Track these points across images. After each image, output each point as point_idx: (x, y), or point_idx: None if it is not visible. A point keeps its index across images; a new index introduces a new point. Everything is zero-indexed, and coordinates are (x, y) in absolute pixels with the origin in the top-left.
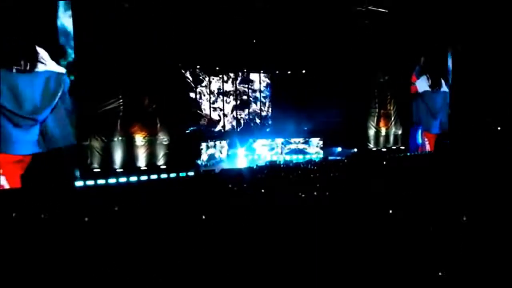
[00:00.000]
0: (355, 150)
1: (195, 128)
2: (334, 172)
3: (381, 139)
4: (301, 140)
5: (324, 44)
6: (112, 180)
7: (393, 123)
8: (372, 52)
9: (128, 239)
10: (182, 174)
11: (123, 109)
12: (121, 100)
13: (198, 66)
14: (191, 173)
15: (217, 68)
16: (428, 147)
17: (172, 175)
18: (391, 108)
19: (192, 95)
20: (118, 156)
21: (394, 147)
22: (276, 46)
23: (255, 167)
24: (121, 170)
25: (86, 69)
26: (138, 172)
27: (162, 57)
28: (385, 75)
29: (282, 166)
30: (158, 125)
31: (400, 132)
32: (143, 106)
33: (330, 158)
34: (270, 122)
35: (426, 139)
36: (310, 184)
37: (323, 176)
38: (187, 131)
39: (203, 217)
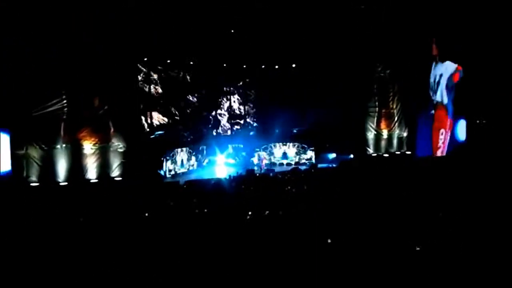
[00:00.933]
0: (351, 156)
1: (161, 132)
2: (318, 186)
3: (383, 142)
4: (290, 145)
5: (316, 34)
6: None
7: (396, 124)
8: (370, 41)
9: None
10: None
11: (67, 111)
12: (64, 101)
13: (166, 60)
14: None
15: (191, 63)
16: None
17: None
18: (394, 106)
19: (154, 92)
20: (61, 167)
21: (398, 152)
22: (262, 37)
23: (228, 177)
24: (66, 183)
25: (18, 63)
26: (87, 185)
27: (117, 48)
28: (386, 68)
29: (257, 176)
30: (112, 129)
31: (405, 134)
32: (92, 107)
33: (321, 165)
34: (254, 125)
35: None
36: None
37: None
38: (152, 136)
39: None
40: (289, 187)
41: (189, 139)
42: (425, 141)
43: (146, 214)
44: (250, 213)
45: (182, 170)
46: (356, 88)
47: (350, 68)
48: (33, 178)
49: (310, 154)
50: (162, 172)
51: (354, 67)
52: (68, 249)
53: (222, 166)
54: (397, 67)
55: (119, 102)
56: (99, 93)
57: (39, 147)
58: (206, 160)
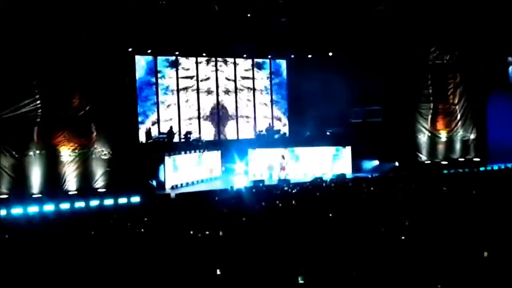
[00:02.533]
0: (396, 164)
1: (162, 136)
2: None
3: (440, 147)
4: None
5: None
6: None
7: (459, 123)
8: (421, 18)
9: None
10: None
11: (42, 112)
12: (38, 101)
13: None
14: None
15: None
16: None
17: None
18: (456, 101)
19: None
20: (35, 177)
21: (462, 159)
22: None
23: (229, 189)
24: (40, 195)
25: None
26: (66, 197)
27: (102, 38)
28: (445, 52)
29: (264, 190)
30: (94, 133)
31: (472, 136)
32: (71, 107)
33: (359, 175)
34: (283, 124)
35: None
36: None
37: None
38: (149, 141)
39: None
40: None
41: (199, 143)
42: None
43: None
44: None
45: (188, 180)
46: (404, 79)
47: (396, 54)
48: (3, 189)
49: (344, 162)
50: (154, 183)
51: (401, 53)
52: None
53: (241, 175)
54: (460, 51)
55: (104, 101)
56: (79, 91)
57: (10, 154)
58: (223, 168)
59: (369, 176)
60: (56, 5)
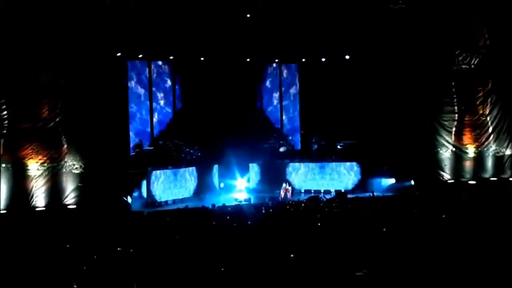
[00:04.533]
0: (412, 182)
1: (149, 148)
2: None
3: (466, 164)
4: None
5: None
6: None
7: (491, 137)
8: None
9: None
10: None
11: (8, 123)
12: (5, 112)
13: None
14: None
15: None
16: None
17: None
18: (487, 111)
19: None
20: (1, 191)
21: (494, 178)
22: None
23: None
24: (5, 211)
25: None
26: (32, 214)
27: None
28: (473, 55)
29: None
30: (65, 145)
31: (508, 152)
32: (40, 118)
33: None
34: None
35: None
36: None
37: None
38: (133, 153)
39: None
40: None
41: (194, 157)
42: None
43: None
44: None
45: (174, 196)
46: (424, 87)
47: (416, 58)
48: None
49: (353, 178)
50: (129, 199)
51: (422, 57)
52: None
53: (243, 192)
54: (491, 55)
55: (76, 111)
56: (48, 101)
57: None
58: (222, 185)
59: (369, 195)
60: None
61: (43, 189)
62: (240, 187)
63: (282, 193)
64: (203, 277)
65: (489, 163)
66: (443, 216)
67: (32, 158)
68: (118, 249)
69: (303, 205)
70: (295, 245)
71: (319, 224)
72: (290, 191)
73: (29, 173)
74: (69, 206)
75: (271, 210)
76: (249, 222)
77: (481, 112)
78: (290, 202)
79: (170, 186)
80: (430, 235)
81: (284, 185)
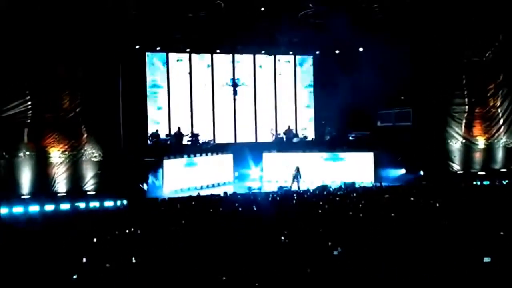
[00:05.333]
0: (421, 173)
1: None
2: None
3: (476, 155)
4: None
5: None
6: (17, 209)
7: (502, 129)
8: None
9: None
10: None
11: (32, 114)
12: (29, 102)
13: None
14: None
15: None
16: None
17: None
18: (498, 104)
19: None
20: (25, 177)
21: (504, 169)
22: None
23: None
24: (29, 196)
25: None
26: (54, 199)
27: (96, 33)
28: (483, 49)
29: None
30: (84, 135)
31: None
32: (61, 109)
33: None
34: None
35: None
36: None
37: None
38: (149, 143)
39: None
40: None
41: (209, 146)
42: None
43: None
44: None
45: (190, 185)
46: (436, 79)
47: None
48: None
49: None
50: (145, 186)
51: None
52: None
53: (256, 181)
54: (503, 48)
55: (96, 102)
56: (69, 93)
57: (0, 155)
58: (236, 174)
59: (375, 186)
60: (47, 6)
61: (64, 175)
62: (253, 176)
63: (295, 184)
64: (201, 259)
65: (499, 154)
66: (439, 203)
67: (54, 146)
68: (127, 231)
69: (308, 193)
70: (289, 227)
71: (320, 210)
72: (299, 179)
73: (51, 161)
74: (88, 192)
75: (278, 198)
76: (254, 208)
77: (491, 104)
78: (299, 191)
79: (185, 175)
80: (430, 222)
81: (294, 172)
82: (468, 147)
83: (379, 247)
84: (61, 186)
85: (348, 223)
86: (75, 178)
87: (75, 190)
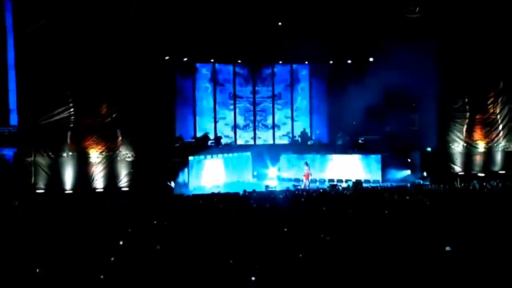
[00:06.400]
0: (424, 174)
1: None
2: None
3: (477, 158)
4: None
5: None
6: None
7: (501, 134)
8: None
9: None
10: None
11: (74, 119)
12: (71, 109)
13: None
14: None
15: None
16: None
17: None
18: (498, 110)
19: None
20: (68, 175)
21: (503, 171)
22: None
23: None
24: (71, 191)
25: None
26: (93, 194)
27: (131, 46)
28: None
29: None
30: (119, 138)
31: None
32: (99, 115)
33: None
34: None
35: None
36: None
37: None
38: (176, 144)
39: None
40: None
41: (231, 146)
42: None
43: None
44: None
45: (214, 183)
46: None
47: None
48: (41, 185)
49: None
50: (172, 184)
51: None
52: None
53: (274, 180)
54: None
55: (129, 109)
56: (107, 101)
57: (47, 155)
58: (254, 173)
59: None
60: (89, 17)
61: (101, 173)
62: (271, 175)
63: (305, 180)
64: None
65: (498, 157)
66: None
67: (93, 148)
68: (154, 222)
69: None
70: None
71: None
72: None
73: (90, 160)
74: (122, 189)
75: (289, 196)
76: (267, 205)
77: (491, 111)
78: (309, 189)
79: (209, 173)
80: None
81: (305, 168)
82: (469, 151)
83: (379, 247)
84: (99, 182)
85: (349, 220)
86: (111, 176)
87: (111, 186)
